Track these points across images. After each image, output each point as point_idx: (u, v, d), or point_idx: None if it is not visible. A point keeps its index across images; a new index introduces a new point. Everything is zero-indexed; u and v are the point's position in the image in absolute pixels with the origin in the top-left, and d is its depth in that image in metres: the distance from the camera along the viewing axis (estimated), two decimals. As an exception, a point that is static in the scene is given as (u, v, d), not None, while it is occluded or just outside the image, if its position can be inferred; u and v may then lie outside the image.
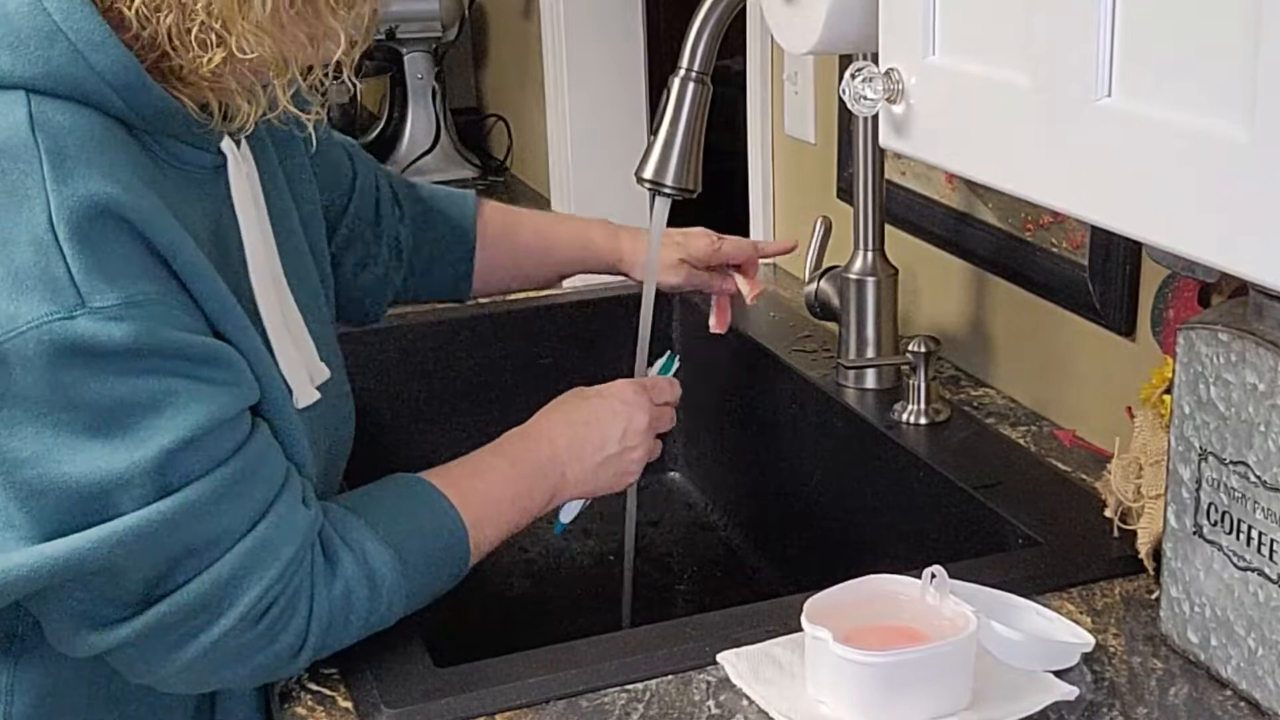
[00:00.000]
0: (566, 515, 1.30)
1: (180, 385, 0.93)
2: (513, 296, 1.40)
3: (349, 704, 1.03)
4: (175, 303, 0.94)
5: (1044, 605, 1.09)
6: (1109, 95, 0.80)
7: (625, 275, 1.51)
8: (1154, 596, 1.10)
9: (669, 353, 1.41)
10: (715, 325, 1.53)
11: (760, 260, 1.56)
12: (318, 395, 1.11)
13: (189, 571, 0.96)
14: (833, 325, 1.58)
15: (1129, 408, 1.22)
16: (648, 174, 1.36)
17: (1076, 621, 1.08)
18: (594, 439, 1.22)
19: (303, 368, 1.10)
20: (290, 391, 1.06)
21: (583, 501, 1.27)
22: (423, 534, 1.08)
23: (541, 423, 1.23)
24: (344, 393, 1.20)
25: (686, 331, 1.82)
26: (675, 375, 1.37)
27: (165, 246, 0.93)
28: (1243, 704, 1.00)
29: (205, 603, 0.97)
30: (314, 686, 1.06)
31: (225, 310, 0.98)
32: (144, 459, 0.92)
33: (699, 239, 1.50)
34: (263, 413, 1.02)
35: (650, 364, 1.40)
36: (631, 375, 1.39)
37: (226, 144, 1.06)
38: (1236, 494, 0.98)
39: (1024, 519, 1.23)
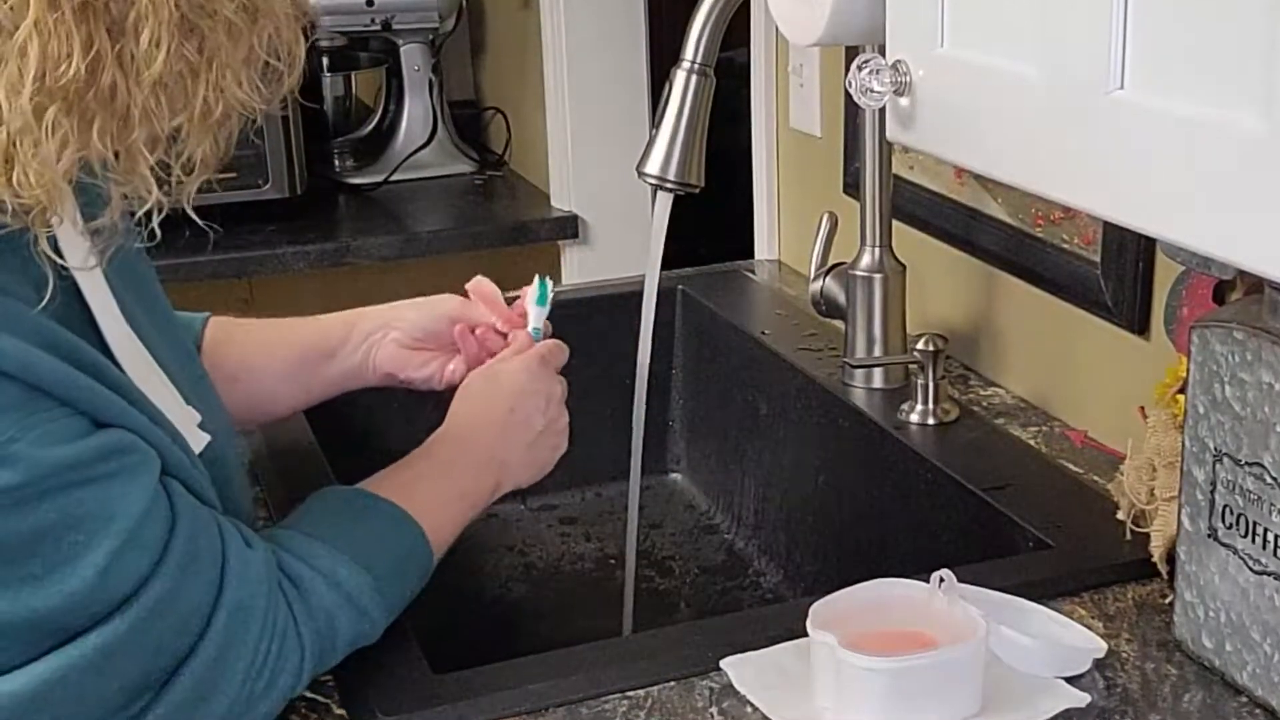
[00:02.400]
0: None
1: (86, 494, 0.89)
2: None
3: (343, 711, 1.03)
4: (48, 417, 0.88)
5: (1055, 610, 1.09)
6: (1121, 87, 0.80)
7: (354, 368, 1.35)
8: (1168, 601, 1.10)
9: (539, 280, 1.33)
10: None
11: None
12: (207, 437, 1.05)
13: (169, 666, 0.93)
14: (839, 323, 1.57)
15: (1142, 408, 1.22)
16: (649, 169, 1.35)
17: (1088, 626, 1.08)
18: (519, 423, 1.22)
19: (183, 413, 1.04)
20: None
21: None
22: (385, 544, 1.07)
23: (465, 420, 1.21)
24: (229, 432, 1.14)
25: (689, 328, 1.82)
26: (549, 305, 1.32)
27: (19, 372, 0.87)
28: (1258, 711, 1.00)
29: (202, 690, 0.94)
30: (308, 694, 1.05)
31: (101, 400, 0.92)
32: (82, 583, 0.88)
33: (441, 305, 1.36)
34: (168, 470, 0.97)
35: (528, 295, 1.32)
36: (633, 372, 1.39)
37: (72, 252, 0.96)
38: (1252, 496, 0.98)
39: (1034, 521, 1.23)
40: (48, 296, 0.90)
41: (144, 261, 1.13)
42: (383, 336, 1.33)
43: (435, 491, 1.14)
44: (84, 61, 0.84)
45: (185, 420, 1.04)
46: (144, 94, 0.87)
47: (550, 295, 1.32)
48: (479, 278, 1.35)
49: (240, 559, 0.98)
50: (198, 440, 1.04)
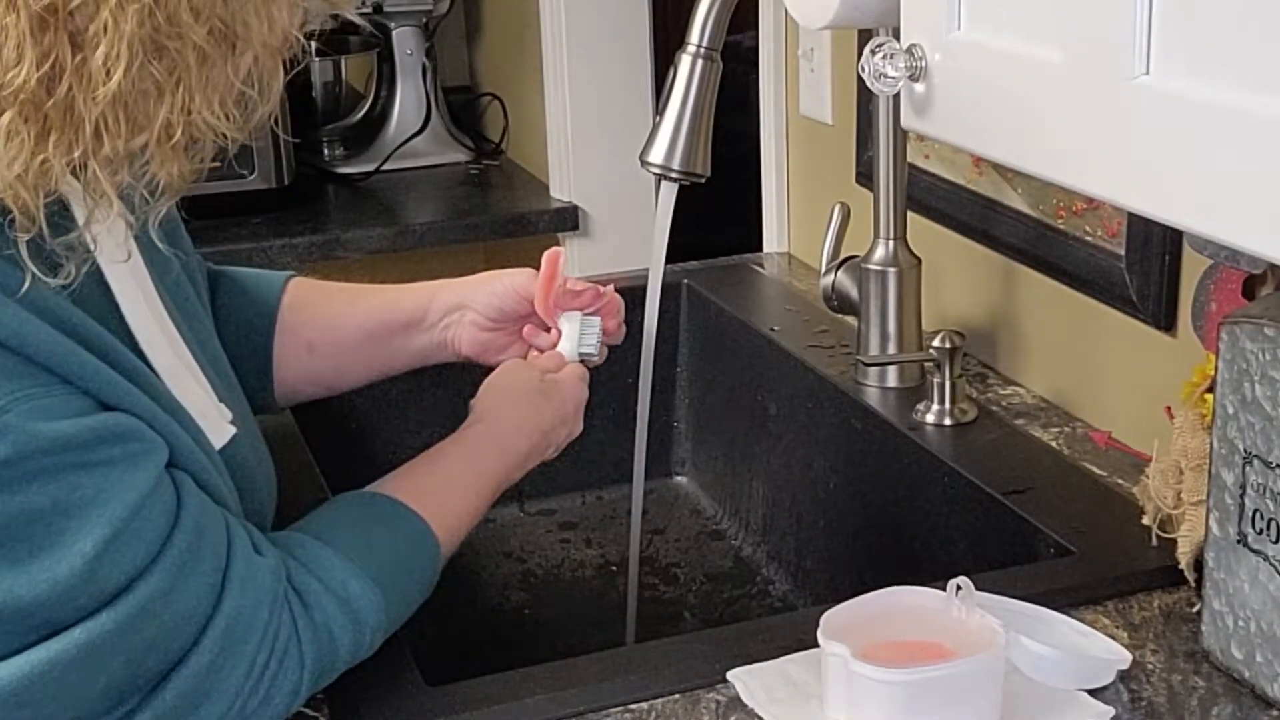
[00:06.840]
0: None
1: (82, 478, 0.89)
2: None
3: (333, 725, 1.04)
4: (45, 390, 0.89)
5: (1077, 619, 1.10)
6: (1146, 73, 0.80)
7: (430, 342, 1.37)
8: (1195, 610, 1.10)
9: (569, 323, 1.32)
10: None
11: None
12: (233, 430, 1.07)
13: (159, 670, 0.93)
14: (851, 319, 1.58)
15: (1168, 407, 1.22)
16: (653, 157, 1.36)
17: (1112, 636, 1.08)
18: (546, 444, 1.24)
19: (212, 406, 1.06)
20: (203, 436, 1.02)
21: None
22: (399, 560, 1.07)
23: (506, 426, 1.23)
24: (255, 435, 1.15)
25: (695, 324, 1.82)
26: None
27: (13, 341, 0.88)
28: (1290, 725, 1.00)
29: (194, 698, 0.94)
30: (296, 706, 1.06)
31: (106, 380, 0.93)
32: (70, 571, 0.88)
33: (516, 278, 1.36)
34: (179, 463, 0.97)
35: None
36: (636, 371, 1.39)
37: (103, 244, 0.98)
38: (1284, 500, 0.98)
39: (1056, 527, 1.24)
40: (25, 287, 0.90)
41: (181, 259, 1.15)
42: (460, 317, 1.35)
43: (459, 507, 1.15)
44: (38, 70, 0.85)
45: (212, 415, 1.05)
46: (98, 109, 0.88)
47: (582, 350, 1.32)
48: (555, 249, 1.35)
49: (246, 564, 0.97)
50: (222, 432, 1.05)
